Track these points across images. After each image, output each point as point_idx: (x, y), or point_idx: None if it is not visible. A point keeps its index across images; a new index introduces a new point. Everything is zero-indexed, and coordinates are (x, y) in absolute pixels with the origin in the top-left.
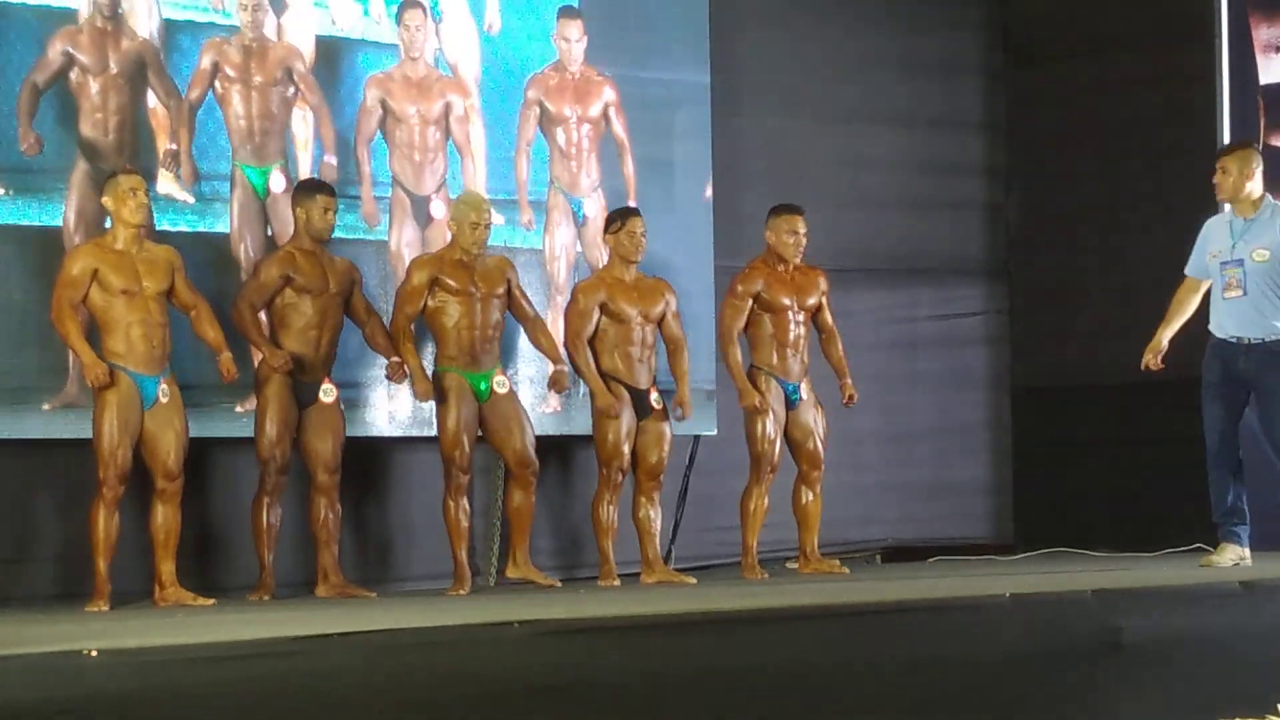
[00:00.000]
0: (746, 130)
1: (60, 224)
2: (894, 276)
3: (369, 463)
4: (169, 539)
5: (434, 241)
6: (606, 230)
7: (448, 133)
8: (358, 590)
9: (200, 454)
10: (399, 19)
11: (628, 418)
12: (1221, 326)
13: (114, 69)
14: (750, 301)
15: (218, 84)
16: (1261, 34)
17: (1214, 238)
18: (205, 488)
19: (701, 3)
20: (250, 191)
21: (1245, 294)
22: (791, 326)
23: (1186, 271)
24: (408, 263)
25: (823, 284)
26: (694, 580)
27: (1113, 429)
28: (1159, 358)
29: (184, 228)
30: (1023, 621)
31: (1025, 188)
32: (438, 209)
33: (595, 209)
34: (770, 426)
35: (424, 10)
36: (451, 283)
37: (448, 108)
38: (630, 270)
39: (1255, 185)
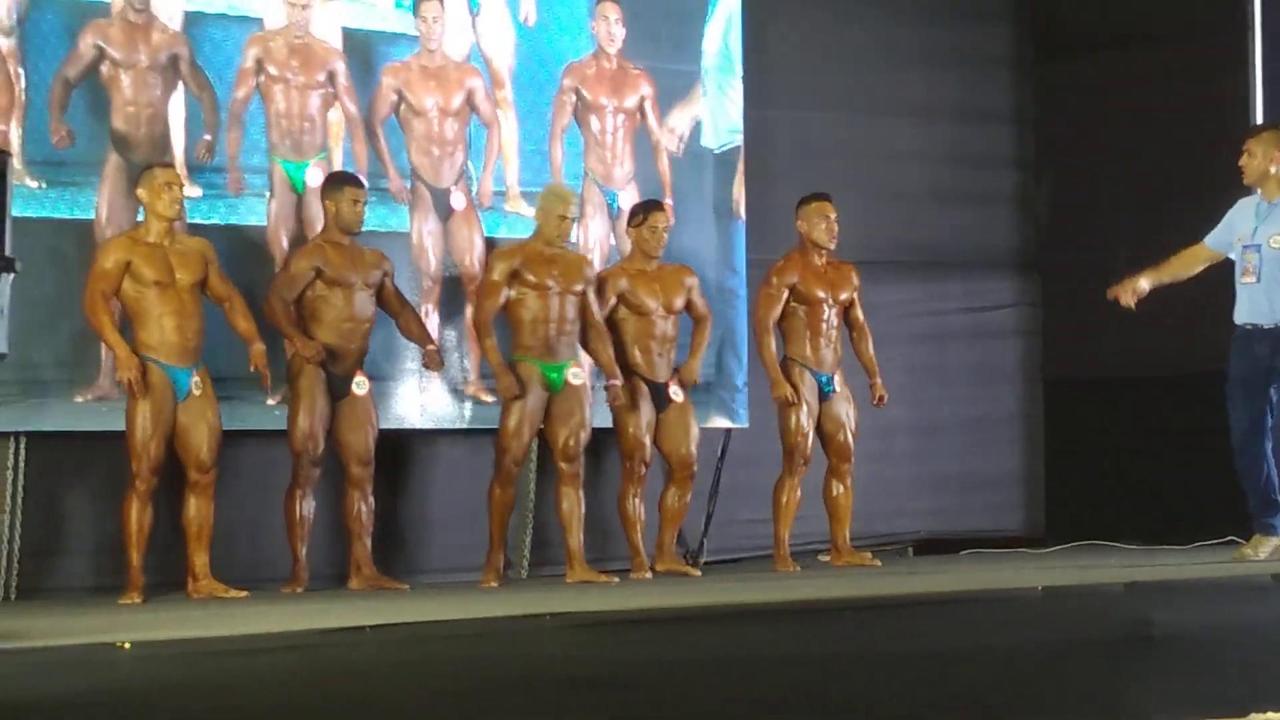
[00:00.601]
0: (777, 123)
1: (92, 216)
2: (924, 269)
3: (400, 455)
4: (202, 531)
5: (455, 233)
6: (629, 224)
7: (467, 124)
8: (390, 583)
9: (234, 446)
10: (415, 10)
11: (646, 411)
12: (1239, 313)
13: (145, 62)
14: (785, 292)
15: (261, 80)
16: None
17: (1240, 220)
18: (239, 480)
19: None
20: (288, 186)
21: (1259, 280)
22: (825, 320)
23: (1205, 239)
24: (429, 254)
25: (855, 279)
26: (698, 573)
27: (1144, 421)
28: (1133, 297)
29: (216, 220)
30: (1054, 614)
31: (1055, 180)
32: (458, 200)
33: (630, 201)
34: (804, 419)
35: (441, 2)
36: (531, 277)
37: (469, 96)
38: (652, 263)
39: None
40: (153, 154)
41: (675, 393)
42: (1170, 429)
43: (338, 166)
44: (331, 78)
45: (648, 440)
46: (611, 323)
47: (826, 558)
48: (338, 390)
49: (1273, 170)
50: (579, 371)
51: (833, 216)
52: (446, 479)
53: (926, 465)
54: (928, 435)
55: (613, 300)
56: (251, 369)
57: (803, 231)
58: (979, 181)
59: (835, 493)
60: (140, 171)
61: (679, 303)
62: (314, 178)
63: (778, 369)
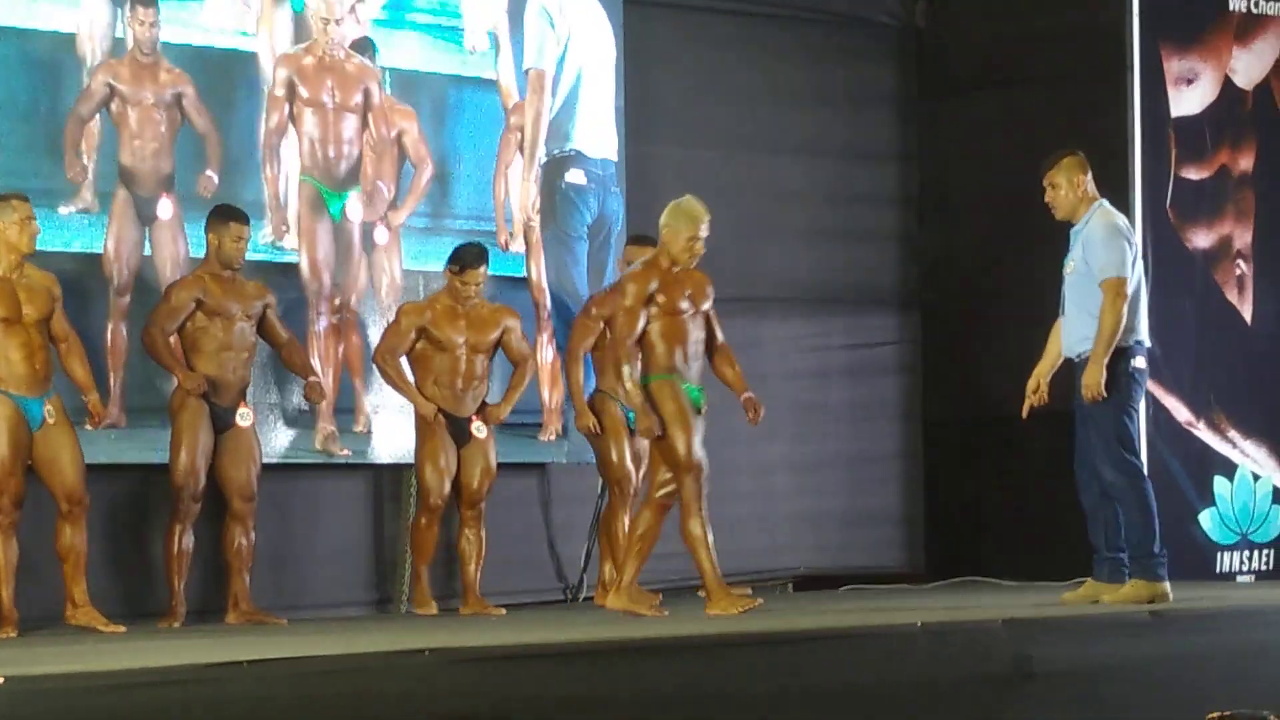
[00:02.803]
0: (660, 159)
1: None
2: (807, 306)
3: (278, 488)
4: (79, 559)
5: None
6: (448, 263)
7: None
8: (268, 617)
9: (112, 479)
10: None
11: (446, 446)
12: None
13: (151, 99)
14: (601, 325)
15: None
16: (1173, 67)
17: None
18: (117, 513)
19: (615, 30)
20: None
21: (1064, 313)
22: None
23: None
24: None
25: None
26: (503, 611)
27: (1024, 459)
28: (1044, 394)
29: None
30: (934, 651)
31: (938, 218)
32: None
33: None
34: (624, 448)
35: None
36: (662, 299)
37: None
38: (465, 303)
39: (1087, 192)
40: (158, 189)
41: (477, 429)
42: (1050, 466)
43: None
44: (367, 97)
45: (447, 478)
46: (414, 356)
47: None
48: (221, 422)
49: (1080, 196)
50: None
51: (637, 260)
52: (327, 513)
53: (807, 501)
54: (809, 471)
55: (413, 335)
56: (90, 426)
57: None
58: (862, 219)
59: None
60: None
61: (489, 341)
62: (354, 209)
63: (584, 400)
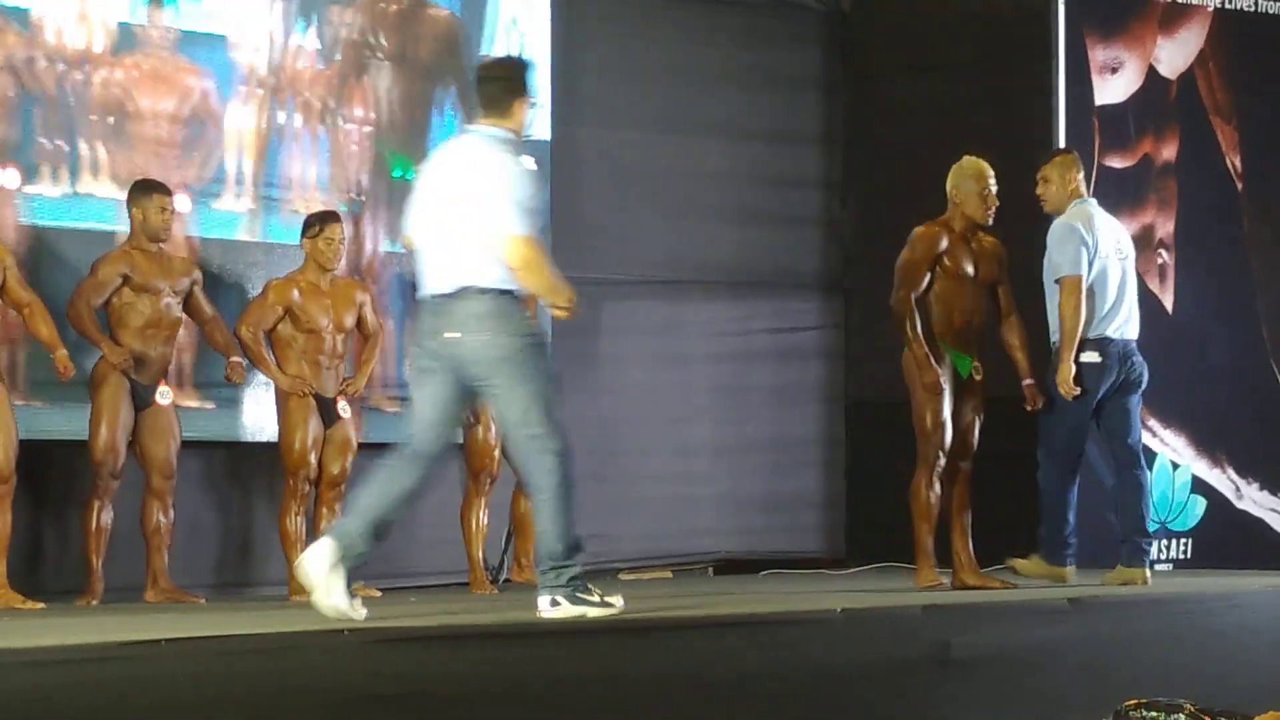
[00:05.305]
0: (585, 141)
1: None
2: (730, 289)
3: (203, 466)
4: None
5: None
6: (304, 234)
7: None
8: (187, 595)
9: (33, 454)
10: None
11: (314, 425)
12: None
13: None
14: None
15: None
16: (1097, 55)
17: None
18: (38, 489)
19: (543, 11)
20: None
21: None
22: None
23: None
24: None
25: None
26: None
27: None
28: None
29: None
30: (853, 636)
31: (861, 203)
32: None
33: None
34: (492, 437)
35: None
36: (949, 263)
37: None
38: (325, 277)
39: (1077, 189)
40: None
41: (343, 409)
42: None
43: None
44: None
45: (313, 457)
46: (277, 337)
47: (629, 576)
48: (141, 400)
49: (1068, 191)
50: (979, 366)
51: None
52: (251, 492)
53: (729, 485)
54: (730, 455)
55: (280, 311)
56: (62, 378)
57: None
58: (786, 202)
59: (524, 509)
60: None
61: (349, 321)
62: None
63: None
